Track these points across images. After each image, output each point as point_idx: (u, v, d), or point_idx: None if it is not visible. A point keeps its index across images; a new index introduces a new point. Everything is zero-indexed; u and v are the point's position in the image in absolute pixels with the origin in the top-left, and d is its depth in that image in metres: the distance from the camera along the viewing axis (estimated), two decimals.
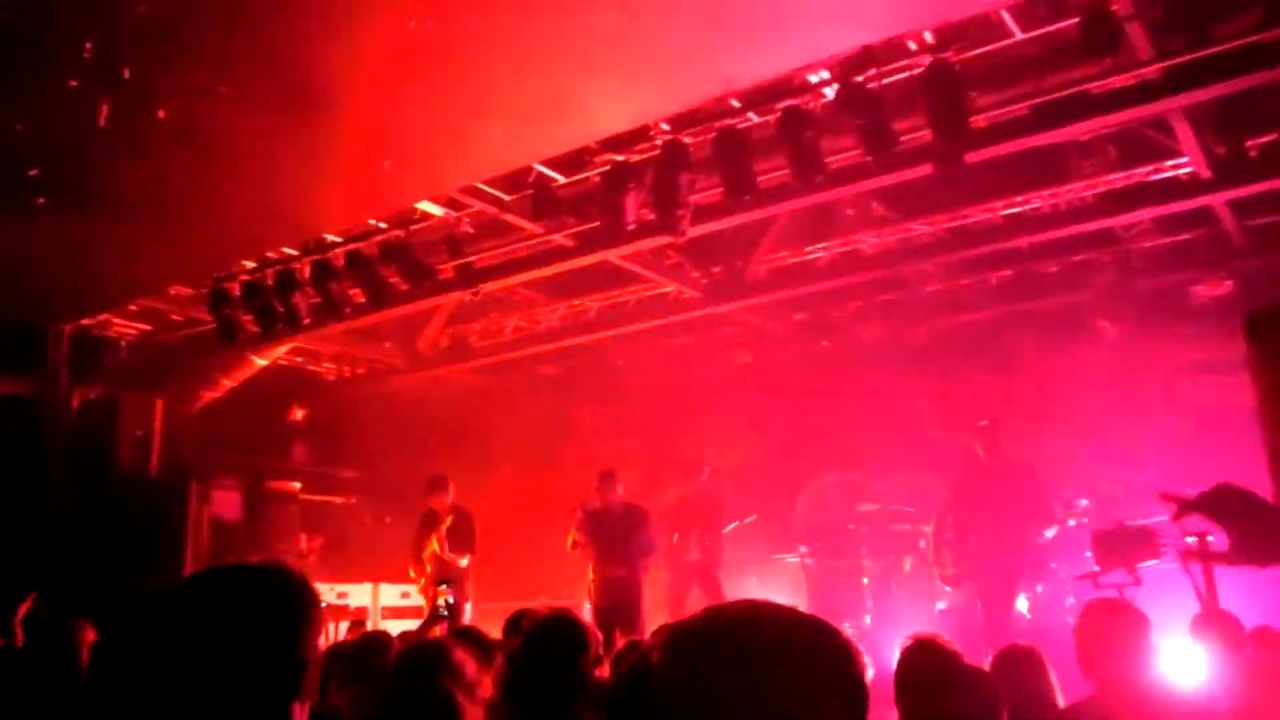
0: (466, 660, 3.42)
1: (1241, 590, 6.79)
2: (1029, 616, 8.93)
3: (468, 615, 8.96)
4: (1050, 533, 7.65)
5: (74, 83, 5.12)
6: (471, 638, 4.15)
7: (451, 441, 12.15)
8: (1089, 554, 7.76)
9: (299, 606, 1.74)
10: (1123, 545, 6.93)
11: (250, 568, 1.81)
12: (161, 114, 5.27)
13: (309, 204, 6.89)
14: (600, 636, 3.54)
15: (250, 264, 8.43)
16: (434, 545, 9.13)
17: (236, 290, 8.52)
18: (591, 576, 8.67)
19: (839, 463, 11.51)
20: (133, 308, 9.70)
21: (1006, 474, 7.69)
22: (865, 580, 10.12)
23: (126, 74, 4.99)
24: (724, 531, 10.48)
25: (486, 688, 3.46)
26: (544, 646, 2.99)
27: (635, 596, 8.43)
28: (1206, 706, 3.83)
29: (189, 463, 10.09)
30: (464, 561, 9.11)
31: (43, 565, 8.77)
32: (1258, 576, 6.74)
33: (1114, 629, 3.70)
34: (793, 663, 1.22)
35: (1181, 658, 4.77)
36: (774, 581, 10.74)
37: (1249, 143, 7.15)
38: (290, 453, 12.60)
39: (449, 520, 9.25)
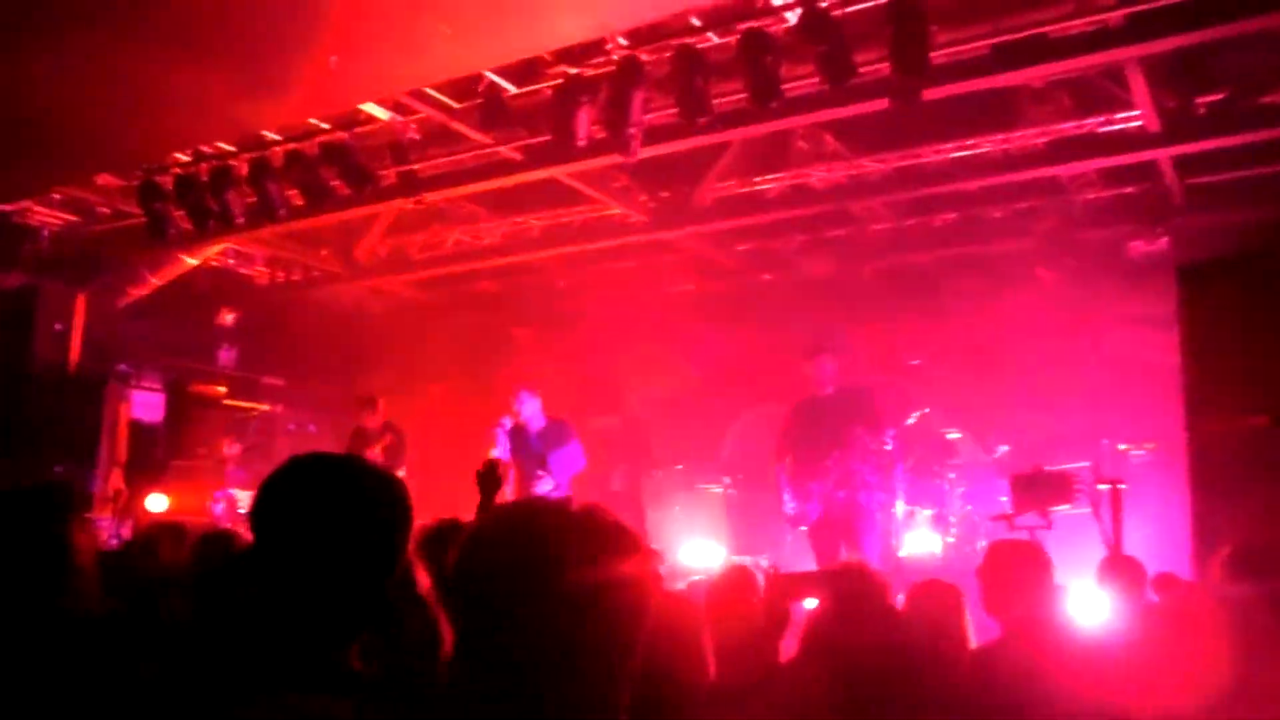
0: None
1: (1146, 537, 7.05)
2: (940, 555, 9.17)
3: None
4: (887, 443, 7.52)
5: None
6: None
7: (384, 355, 11.99)
8: (1003, 498, 7.97)
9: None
10: (1038, 489, 7.11)
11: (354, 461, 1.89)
12: None
13: (246, 98, 6.61)
14: None
15: (184, 158, 8.12)
16: None
17: (169, 184, 8.21)
18: (513, 496, 8.58)
19: (771, 396, 11.60)
20: (57, 196, 9.32)
21: (840, 401, 7.65)
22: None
23: None
24: (649, 469, 10.59)
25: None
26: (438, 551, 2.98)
27: None
28: (1108, 646, 3.95)
29: (110, 360, 9.84)
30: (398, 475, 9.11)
31: None
32: (1161, 525, 6.92)
33: (1017, 568, 3.75)
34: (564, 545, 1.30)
35: (1087, 599, 4.91)
36: (697, 511, 10.84)
37: (1198, 99, 7.23)
38: (216, 357, 12.35)
39: (386, 439, 9.23)
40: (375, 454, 9.16)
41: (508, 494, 8.50)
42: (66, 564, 2.67)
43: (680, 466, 11.17)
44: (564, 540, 1.29)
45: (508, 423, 8.40)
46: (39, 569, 2.61)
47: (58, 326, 9.37)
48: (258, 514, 1.74)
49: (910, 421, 7.70)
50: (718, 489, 11.15)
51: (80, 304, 9.40)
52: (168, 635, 2.86)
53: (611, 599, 1.28)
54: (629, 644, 1.29)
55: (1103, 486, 6.94)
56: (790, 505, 7.79)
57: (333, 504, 1.70)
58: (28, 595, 2.56)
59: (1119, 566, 4.91)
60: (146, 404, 11.05)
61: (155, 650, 2.67)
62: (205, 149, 7.99)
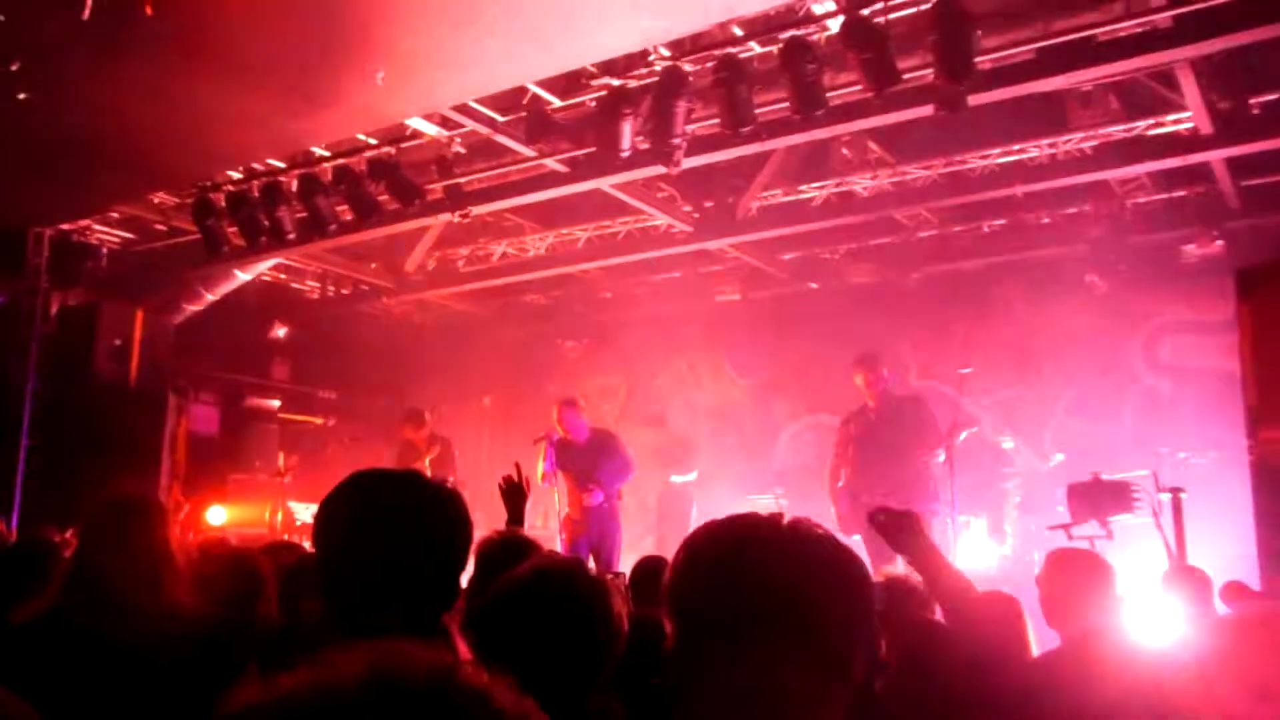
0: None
1: (1210, 546, 6.90)
2: (997, 565, 9.06)
3: None
4: (939, 456, 7.53)
5: None
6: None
7: (433, 367, 12.13)
8: (1060, 508, 7.85)
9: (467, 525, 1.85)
10: (1097, 498, 6.99)
11: (414, 477, 1.89)
12: (149, 10, 5.11)
13: (297, 114, 6.73)
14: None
15: (236, 174, 8.28)
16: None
17: (221, 201, 8.38)
18: (566, 508, 8.53)
19: (821, 406, 11.55)
20: (115, 215, 9.55)
21: (892, 412, 7.71)
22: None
23: None
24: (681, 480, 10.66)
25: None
26: (497, 563, 3.00)
27: (613, 527, 8.37)
28: (1173, 659, 3.86)
29: (168, 375, 10.03)
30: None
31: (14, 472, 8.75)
32: (1225, 533, 6.76)
33: (1078, 578, 3.69)
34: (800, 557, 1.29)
35: (1151, 611, 4.81)
36: None
37: (1252, 100, 7.09)
38: (270, 370, 12.55)
39: (435, 450, 9.32)
40: (423, 467, 9.23)
41: (559, 507, 8.56)
42: (169, 567, 2.76)
43: (694, 475, 11.21)
44: (789, 554, 1.30)
45: (555, 435, 8.43)
46: (146, 571, 2.69)
47: (117, 342, 9.56)
48: (321, 529, 1.75)
49: (961, 439, 7.66)
50: (768, 499, 11.11)
51: (139, 320, 9.59)
52: (261, 636, 2.94)
53: (837, 609, 1.28)
54: (851, 653, 1.29)
55: (1163, 495, 6.81)
56: (842, 515, 7.79)
57: (394, 519, 1.71)
58: (137, 596, 2.64)
59: (1183, 577, 4.82)
60: (203, 418, 11.26)
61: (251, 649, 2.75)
62: (256, 166, 8.15)
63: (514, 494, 4.48)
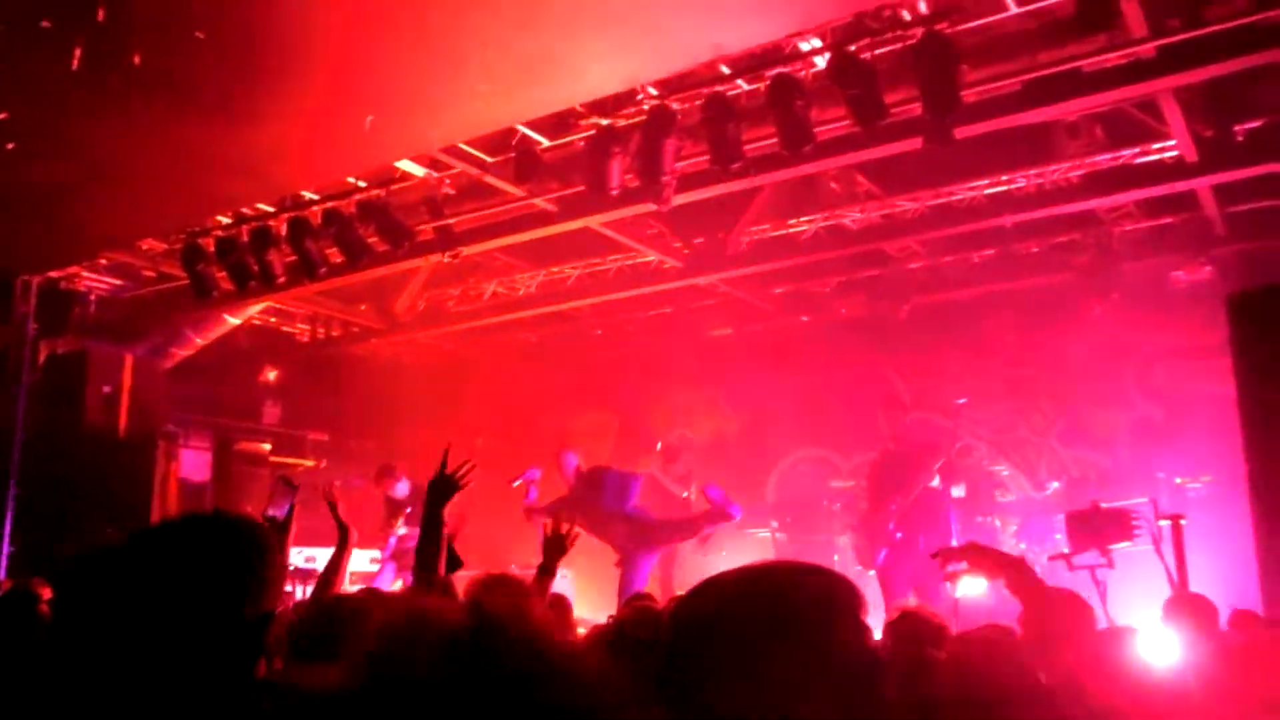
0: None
1: (1210, 570, 6.88)
2: (995, 595, 9.00)
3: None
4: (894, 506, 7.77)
5: (46, 23, 4.96)
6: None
7: (425, 407, 12.05)
8: (1058, 535, 7.83)
9: (250, 556, 1.63)
10: (1096, 527, 6.96)
11: (201, 517, 1.70)
12: (136, 60, 5.12)
13: (286, 159, 6.74)
14: None
15: (225, 219, 8.27)
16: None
17: (211, 246, 8.36)
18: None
19: (814, 439, 11.54)
20: (103, 261, 9.51)
21: (903, 457, 7.80)
22: (836, 557, 10.14)
23: (101, 15, 4.84)
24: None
25: None
26: None
27: (640, 556, 8.38)
28: (1180, 688, 3.81)
29: (158, 421, 9.96)
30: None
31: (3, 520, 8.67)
32: (1224, 557, 6.77)
33: (1057, 616, 3.62)
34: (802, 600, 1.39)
35: (1155, 640, 4.76)
36: (744, 555, 10.74)
37: (1236, 127, 7.15)
38: (261, 414, 12.48)
39: (414, 508, 9.29)
40: (398, 525, 9.20)
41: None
42: None
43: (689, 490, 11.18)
44: (792, 601, 1.37)
45: (535, 474, 8.47)
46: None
47: (106, 389, 9.49)
48: None
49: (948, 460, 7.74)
50: (765, 533, 11.06)
51: (128, 366, 9.53)
52: None
53: (847, 652, 1.34)
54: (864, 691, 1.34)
55: (1163, 522, 6.80)
56: (860, 549, 7.84)
57: None
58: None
59: (1186, 605, 4.78)
60: (194, 463, 11.18)
61: None
62: (245, 210, 8.14)
63: (554, 545, 4.44)
